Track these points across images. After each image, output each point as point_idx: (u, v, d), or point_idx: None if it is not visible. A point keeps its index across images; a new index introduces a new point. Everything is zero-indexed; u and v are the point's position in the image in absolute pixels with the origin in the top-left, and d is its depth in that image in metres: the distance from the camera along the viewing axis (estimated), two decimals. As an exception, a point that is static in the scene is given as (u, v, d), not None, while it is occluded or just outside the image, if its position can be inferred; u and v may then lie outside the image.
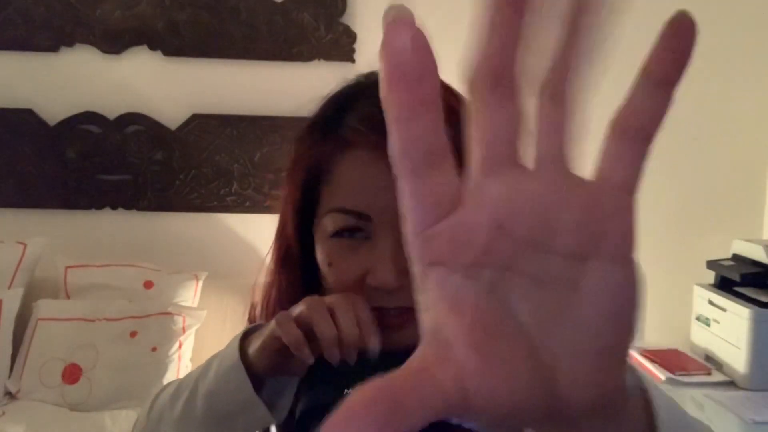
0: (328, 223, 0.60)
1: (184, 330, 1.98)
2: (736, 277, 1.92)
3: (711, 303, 1.97)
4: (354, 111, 0.61)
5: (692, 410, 1.66)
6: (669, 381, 1.81)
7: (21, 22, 2.21)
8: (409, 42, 0.20)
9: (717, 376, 1.87)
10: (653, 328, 2.10)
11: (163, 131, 2.27)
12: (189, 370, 1.98)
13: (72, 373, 1.90)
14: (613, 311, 0.22)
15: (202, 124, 2.27)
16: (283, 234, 0.66)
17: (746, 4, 2.29)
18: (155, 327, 1.95)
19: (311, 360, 0.55)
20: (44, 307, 1.99)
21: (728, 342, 1.87)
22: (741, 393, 1.78)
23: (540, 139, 0.22)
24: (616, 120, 0.23)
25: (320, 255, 0.61)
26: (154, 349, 1.94)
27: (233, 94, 2.28)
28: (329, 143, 0.61)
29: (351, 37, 2.26)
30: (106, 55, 2.25)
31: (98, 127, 2.25)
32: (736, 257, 2.02)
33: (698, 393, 1.76)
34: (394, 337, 0.56)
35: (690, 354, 2.02)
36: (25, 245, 2.09)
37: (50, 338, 1.93)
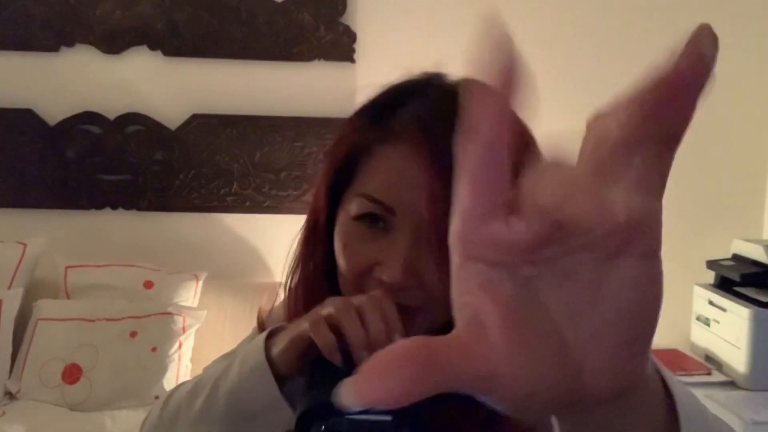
0: (353, 205, 0.60)
1: (184, 330, 1.98)
2: (736, 277, 1.92)
3: (711, 303, 1.97)
4: (409, 106, 0.61)
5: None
6: (669, 381, 1.81)
7: (21, 22, 2.21)
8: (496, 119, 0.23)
9: (717, 376, 1.87)
10: (653, 328, 2.10)
11: (163, 131, 2.27)
12: (189, 370, 1.98)
13: (72, 373, 1.90)
14: (637, 305, 0.23)
15: (202, 124, 2.27)
16: (314, 207, 0.67)
17: (746, 5, 2.29)
18: (155, 327, 1.95)
19: (340, 363, 0.54)
20: (44, 307, 1.99)
21: (728, 342, 1.87)
22: (741, 393, 1.78)
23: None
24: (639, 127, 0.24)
25: (338, 234, 0.62)
26: (154, 349, 1.94)
27: (233, 94, 2.28)
28: (377, 130, 0.61)
29: (351, 37, 2.26)
30: (106, 55, 2.25)
31: (98, 127, 2.25)
32: (736, 257, 2.02)
33: (698, 393, 1.76)
34: None
35: (690, 354, 2.02)
36: (25, 245, 2.09)
37: (50, 338, 1.93)
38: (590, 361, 0.23)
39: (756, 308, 1.79)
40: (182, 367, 1.97)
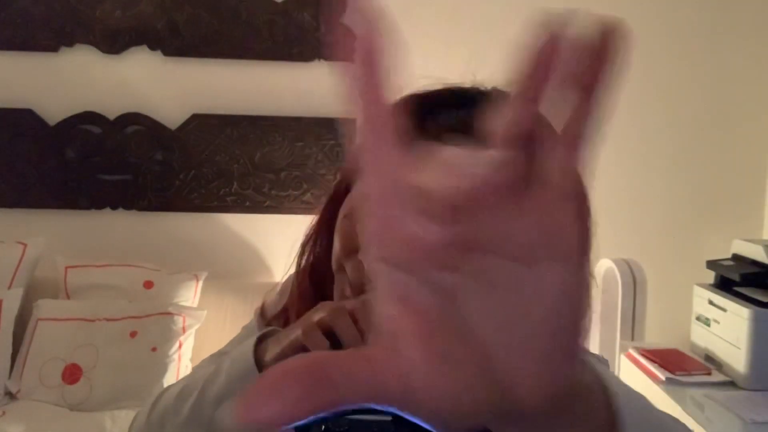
0: None
1: (184, 330, 1.98)
2: (736, 277, 1.92)
3: (711, 303, 1.97)
4: (449, 114, 0.59)
5: (692, 410, 1.66)
6: (669, 381, 1.81)
7: (21, 22, 2.21)
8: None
9: (717, 376, 1.87)
10: (653, 328, 2.10)
11: (163, 131, 2.27)
12: (189, 370, 1.98)
13: (72, 373, 1.90)
14: (561, 312, 0.22)
15: (202, 124, 2.27)
16: (335, 197, 0.66)
17: (746, 5, 2.29)
18: (155, 327, 1.95)
19: None
20: (44, 307, 1.99)
21: (728, 342, 1.87)
22: (741, 393, 1.78)
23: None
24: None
25: (345, 206, 0.63)
26: (154, 349, 1.94)
27: (233, 94, 2.28)
28: (415, 131, 0.60)
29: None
30: (106, 55, 2.25)
31: (98, 127, 2.25)
32: (736, 257, 2.02)
33: (698, 393, 1.76)
34: None
35: (690, 354, 2.02)
36: (25, 245, 2.09)
37: (50, 338, 1.93)
38: (517, 370, 0.22)
39: (756, 308, 1.79)
40: (182, 367, 1.97)
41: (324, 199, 0.68)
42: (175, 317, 1.98)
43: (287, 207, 2.29)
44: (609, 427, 0.31)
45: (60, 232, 2.25)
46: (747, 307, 1.80)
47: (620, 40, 0.22)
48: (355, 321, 0.54)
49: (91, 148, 2.25)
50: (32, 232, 2.19)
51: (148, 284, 2.09)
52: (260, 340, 0.62)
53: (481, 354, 0.22)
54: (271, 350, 0.60)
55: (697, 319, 2.04)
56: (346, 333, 0.54)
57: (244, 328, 0.73)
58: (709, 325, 1.98)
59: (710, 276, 2.04)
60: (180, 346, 1.97)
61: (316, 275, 0.67)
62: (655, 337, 2.09)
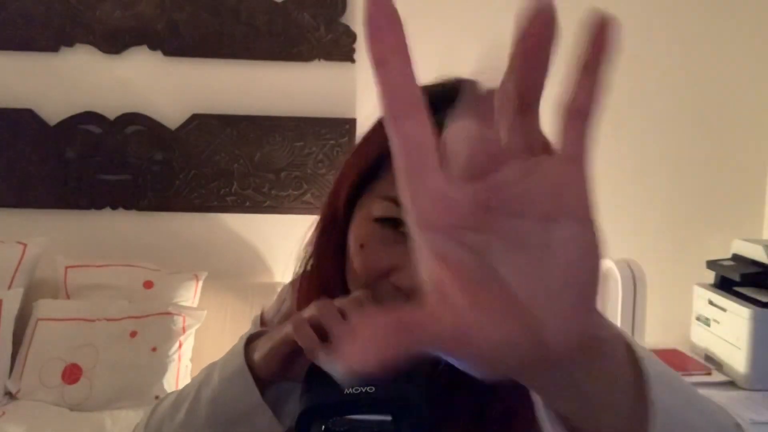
0: (377, 206, 0.59)
1: (184, 330, 1.98)
2: (736, 277, 1.92)
3: (711, 303, 1.97)
4: (443, 114, 0.59)
5: (692, 410, 1.65)
6: (669, 381, 1.81)
7: (21, 22, 2.21)
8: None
9: (717, 376, 1.87)
10: (653, 328, 2.10)
11: (163, 131, 2.27)
12: (189, 370, 1.98)
13: (72, 373, 1.90)
14: (581, 265, 0.25)
15: (202, 124, 2.27)
16: (334, 200, 0.66)
17: (747, 5, 2.29)
18: (155, 327, 1.95)
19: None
20: (44, 307, 1.99)
21: (728, 342, 1.88)
22: (741, 393, 1.78)
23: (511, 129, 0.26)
24: (560, 104, 0.26)
25: (355, 233, 0.61)
26: (154, 349, 1.94)
27: (233, 94, 2.28)
28: None
29: (351, 37, 2.26)
30: (106, 55, 2.25)
31: (98, 127, 2.25)
32: (736, 257, 2.02)
33: (698, 393, 1.76)
34: None
35: (690, 354, 2.02)
36: (25, 245, 2.09)
37: (50, 338, 1.93)
38: (547, 319, 0.25)
39: (756, 308, 1.79)
40: (182, 367, 1.97)
41: (325, 199, 0.68)
42: (175, 317, 1.98)
43: (287, 207, 2.29)
44: (635, 382, 0.34)
45: (60, 232, 2.25)
46: (747, 307, 1.81)
47: (613, 25, 0.25)
48: (344, 316, 0.55)
49: (91, 148, 2.25)
50: (32, 232, 2.19)
51: (148, 284, 2.09)
52: (250, 341, 0.63)
53: (516, 305, 0.25)
54: (262, 348, 0.60)
55: (697, 319, 2.05)
56: (336, 326, 0.54)
57: (242, 338, 0.73)
58: (709, 325, 1.98)
59: (710, 276, 2.04)
60: (180, 346, 1.97)
61: (319, 279, 0.67)
62: (655, 337, 2.09)
